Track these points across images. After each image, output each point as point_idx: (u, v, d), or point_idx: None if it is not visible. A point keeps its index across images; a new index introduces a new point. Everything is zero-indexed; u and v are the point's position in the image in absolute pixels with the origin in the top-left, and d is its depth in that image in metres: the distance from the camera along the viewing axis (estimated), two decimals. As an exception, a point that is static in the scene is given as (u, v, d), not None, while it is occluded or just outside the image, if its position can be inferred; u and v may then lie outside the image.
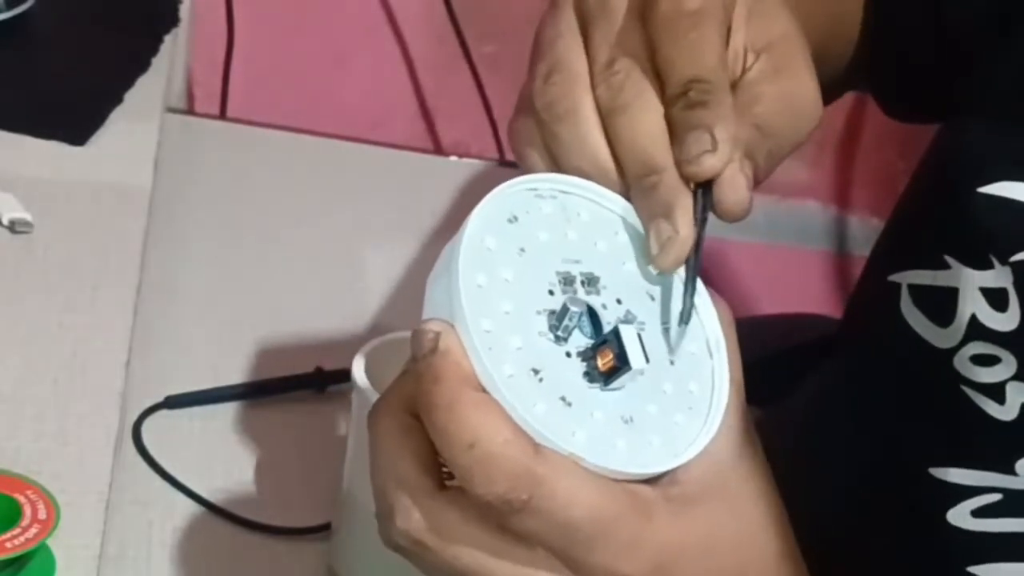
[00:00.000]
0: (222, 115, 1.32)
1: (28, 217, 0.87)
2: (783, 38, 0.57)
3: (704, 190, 0.53)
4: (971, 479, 0.66)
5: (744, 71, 0.56)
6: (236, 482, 0.84)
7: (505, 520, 0.48)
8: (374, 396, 0.72)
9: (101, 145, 0.96)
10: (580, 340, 0.51)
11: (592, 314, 0.51)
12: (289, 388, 0.91)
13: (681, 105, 0.52)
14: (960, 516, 0.66)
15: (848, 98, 1.49)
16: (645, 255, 0.53)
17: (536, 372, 0.49)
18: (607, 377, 0.50)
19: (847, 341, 0.80)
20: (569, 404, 0.49)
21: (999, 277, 0.65)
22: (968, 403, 0.66)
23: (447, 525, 0.50)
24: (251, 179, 1.13)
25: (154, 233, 0.93)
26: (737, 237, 1.54)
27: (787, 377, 0.84)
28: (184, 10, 1.14)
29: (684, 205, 0.52)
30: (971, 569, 0.66)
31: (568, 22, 0.55)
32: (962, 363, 0.66)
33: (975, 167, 0.66)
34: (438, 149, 1.41)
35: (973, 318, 0.66)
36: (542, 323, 0.50)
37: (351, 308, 1.01)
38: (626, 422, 0.50)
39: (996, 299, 0.65)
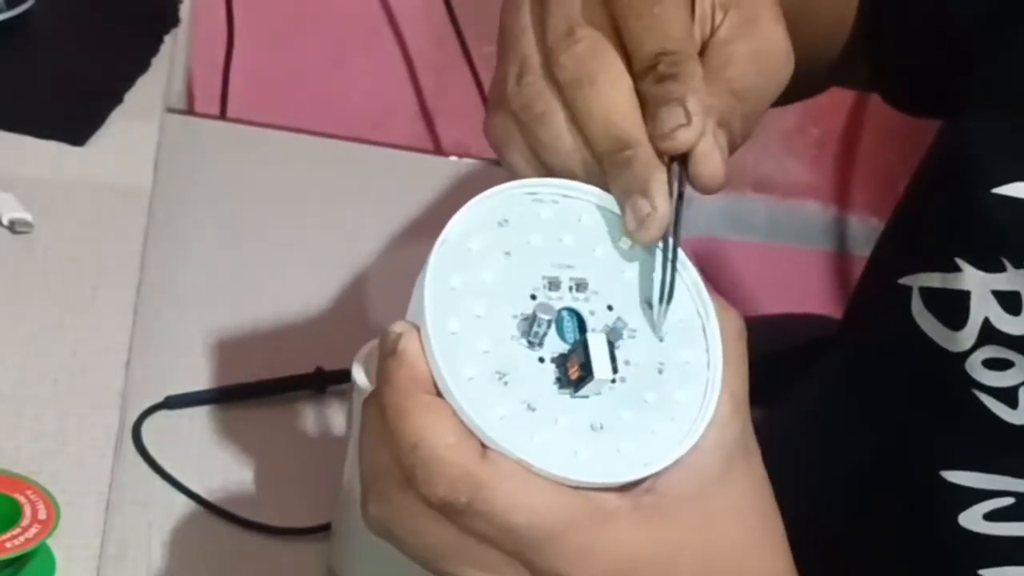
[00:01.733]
0: (222, 115, 1.32)
1: (28, 217, 0.87)
2: None
3: (679, 164, 0.52)
4: (983, 483, 0.66)
5: (713, 29, 0.55)
6: (236, 482, 0.84)
7: (454, 521, 0.49)
8: (374, 396, 0.72)
9: (101, 145, 0.96)
10: (557, 346, 0.50)
11: (580, 320, 0.51)
12: (289, 388, 0.91)
13: (651, 79, 0.52)
14: (972, 519, 0.66)
15: (848, 98, 1.49)
16: (651, 265, 0.52)
17: (501, 376, 0.49)
18: (576, 385, 0.50)
19: (850, 342, 0.80)
20: (533, 409, 0.49)
21: (1012, 280, 0.64)
22: (980, 407, 0.66)
23: (413, 518, 0.50)
24: (251, 179, 1.13)
25: (154, 233, 0.93)
26: (737, 237, 1.54)
27: (787, 377, 0.84)
28: (184, 10, 1.14)
29: (660, 180, 0.51)
30: (982, 572, 0.66)
31: (533, 14, 0.54)
32: (974, 367, 0.66)
33: (987, 167, 0.66)
34: (438, 149, 1.40)
35: (986, 322, 0.65)
36: (515, 327, 0.50)
37: (351, 308, 1.01)
38: (595, 430, 0.50)
39: (1009, 302, 0.65)
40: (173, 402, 0.87)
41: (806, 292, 1.57)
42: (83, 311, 0.82)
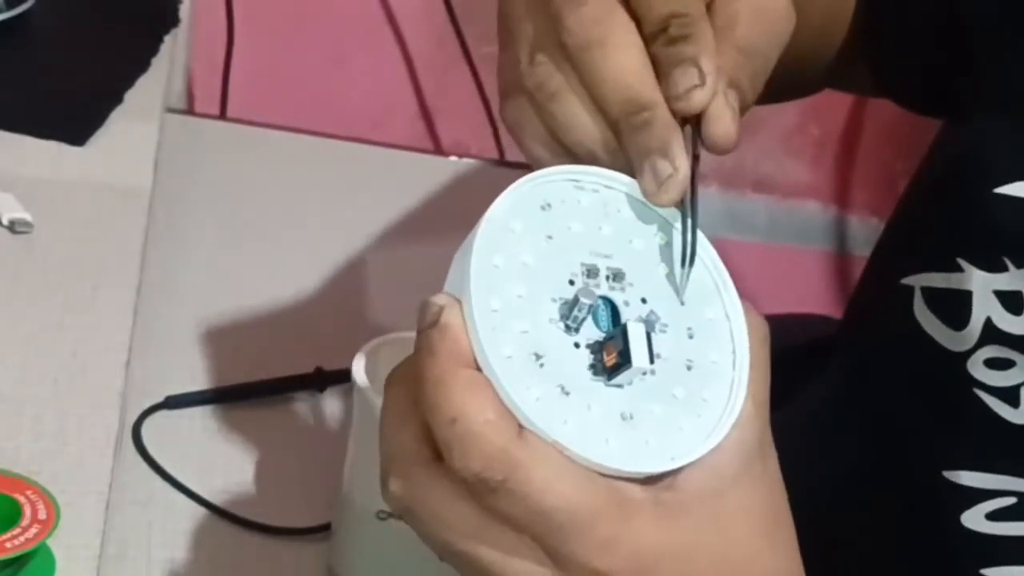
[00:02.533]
0: (222, 115, 1.32)
1: (28, 217, 0.87)
2: None
3: (692, 125, 0.52)
4: (985, 483, 0.66)
5: None
6: (236, 482, 0.84)
7: (483, 499, 0.48)
8: (374, 396, 0.72)
9: (101, 145, 0.96)
10: (592, 333, 0.50)
11: (614, 310, 0.51)
12: (289, 388, 0.91)
13: (662, 41, 0.52)
14: (974, 519, 0.66)
15: (848, 98, 1.49)
16: (677, 260, 0.53)
17: (538, 357, 0.49)
18: (611, 372, 0.50)
19: (851, 341, 0.80)
20: (567, 393, 0.49)
21: (1013, 280, 0.65)
22: (982, 407, 0.66)
23: (436, 496, 0.50)
24: (251, 179, 1.13)
25: (154, 233, 0.93)
26: (737, 237, 1.54)
27: (787, 377, 0.84)
28: (184, 10, 1.14)
29: (679, 140, 0.51)
30: (984, 572, 0.66)
31: None
32: (976, 367, 0.66)
33: (990, 167, 0.66)
34: (438, 149, 1.41)
35: (988, 321, 0.65)
36: (554, 311, 0.50)
37: (351, 308, 1.01)
38: (624, 419, 0.50)
39: (1011, 302, 0.65)
40: (173, 402, 0.87)
41: (806, 292, 1.57)
42: (83, 311, 0.82)
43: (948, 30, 0.74)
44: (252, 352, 0.93)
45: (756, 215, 1.55)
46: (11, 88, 0.99)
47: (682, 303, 0.52)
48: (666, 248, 0.53)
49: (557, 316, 0.50)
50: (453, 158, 1.27)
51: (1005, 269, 0.65)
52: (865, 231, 1.57)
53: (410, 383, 0.51)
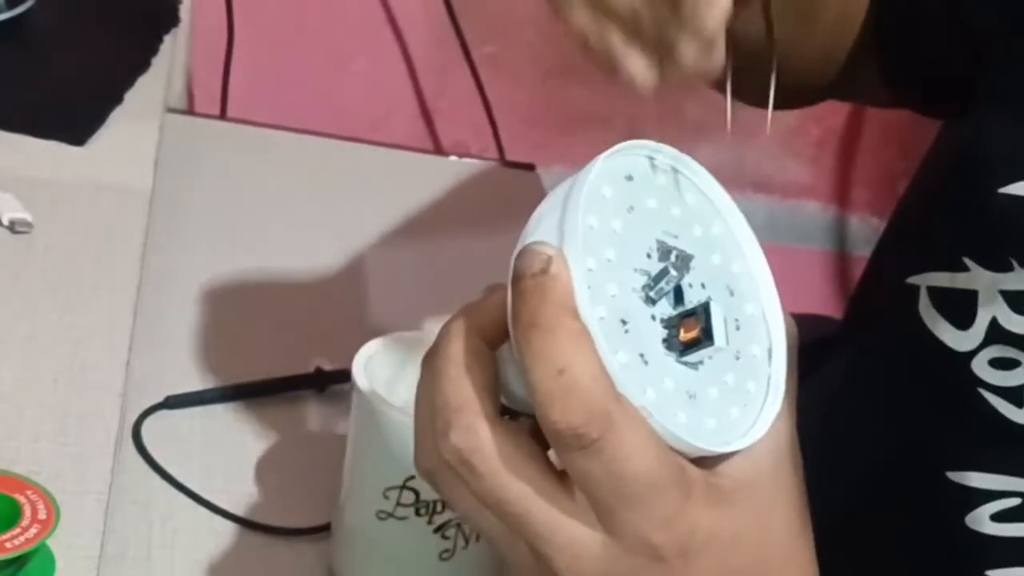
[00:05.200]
0: (222, 115, 1.32)
1: (28, 217, 0.87)
2: None
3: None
4: (990, 483, 0.66)
5: None
6: (236, 482, 0.84)
7: (566, 455, 0.48)
8: (374, 396, 0.72)
9: (101, 145, 0.96)
10: (665, 308, 0.51)
11: (678, 289, 0.52)
12: (289, 388, 0.91)
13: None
14: (979, 520, 0.66)
15: (848, 98, 1.49)
16: (734, 256, 0.54)
17: (624, 323, 0.50)
18: (685, 348, 0.50)
19: (854, 342, 0.80)
20: (646, 363, 0.50)
21: (1020, 279, 0.65)
22: (986, 407, 0.66)
23: (501, 453, 0.49)
24: (251, 179, 1.13)
25: (154, 233, 0.93)
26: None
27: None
28: (184, 10, 1.14)
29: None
30: (989, 573, 0.66)
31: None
32: (981, 366, 0.66)
33: (995, 167, 0.66)
34: (438, 149, 1.40)
35: (993, 321, 0.65)
36: (637, 280, 0.51)
37: (351, 308, 1.01)
38: (690, 397, 0.51)
39: (1016, 302, 0.65)
40: (173, 402, 0.87)
41: (806, 292, 1.57)
42: (83, 311, 0.82)
43: (954, 28, 0.74)
44: (252, 352, 0.93)
45: (756, 215, 1.55)
46: (11, 88, 0.99)
47: (731, 294, 0.53)
48: (720, 241, 0.54)
49: (640, 286, 0.51)
50: (453, 158, 1.27)
51: (1011, 269, 0.65)
52: (865, 231, 1.57)
53: (473, 337, 0.50)
